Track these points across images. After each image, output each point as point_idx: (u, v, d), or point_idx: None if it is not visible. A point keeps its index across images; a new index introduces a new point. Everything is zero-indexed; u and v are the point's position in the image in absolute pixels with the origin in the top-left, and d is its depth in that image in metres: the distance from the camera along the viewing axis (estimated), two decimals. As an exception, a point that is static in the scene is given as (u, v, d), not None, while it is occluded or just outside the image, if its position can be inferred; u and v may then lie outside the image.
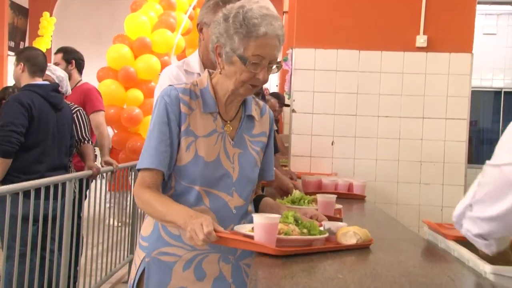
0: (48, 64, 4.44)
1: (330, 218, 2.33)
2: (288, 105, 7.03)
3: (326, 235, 1.85)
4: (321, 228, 1.88)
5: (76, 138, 4.39)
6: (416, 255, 1.96)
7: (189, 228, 1.71)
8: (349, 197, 3.27)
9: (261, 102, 2.15)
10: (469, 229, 1.52)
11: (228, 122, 2.00)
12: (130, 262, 3.70)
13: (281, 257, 1.73)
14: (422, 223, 2.42)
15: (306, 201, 2.45)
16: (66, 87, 4.41)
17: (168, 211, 1.80)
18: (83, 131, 4.46)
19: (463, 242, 1.95)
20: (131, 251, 5.24)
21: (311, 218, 2.11)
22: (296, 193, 2.53)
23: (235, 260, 1.96)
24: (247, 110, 2.04)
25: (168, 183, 1.96)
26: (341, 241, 1.85)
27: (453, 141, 4.32)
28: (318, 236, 1.80)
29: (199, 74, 2.43)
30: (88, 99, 4.87)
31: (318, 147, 4.36)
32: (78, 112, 4.49)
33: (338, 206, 2.56)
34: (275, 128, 4.15)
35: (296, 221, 1.86)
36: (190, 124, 1.92)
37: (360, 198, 3.35)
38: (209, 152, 1.93)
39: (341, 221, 2.36)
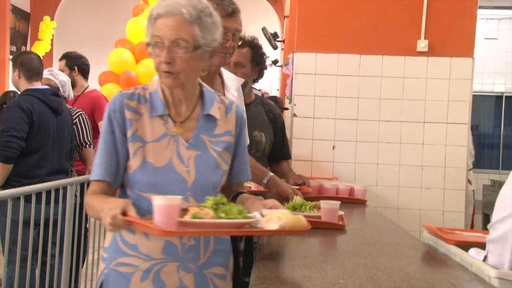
0: (51, 68, 4.45)
1: (333, 225, 2.32)
2: (286, 109, 7.03)
3: (245, 220, 1.66)
4: (256, 214, 1.72)
5: (78, 142, 4.39)
6: (417, 260, 1.96)
7: (101, 215, 1.65)
8: (350, 202, 3.27)
9: (227, 100, 2.04)
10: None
11: (179, 123, 1.90)
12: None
13: (281, 262, 1.73)
14: (423, 227, 2.42)
15: (307, 208, 2.39)
16: (69, 92, 4.42)
17: (100, 207, 1.71)
18: (85, 136, 4.47)
19: (465, 246, 1.94)
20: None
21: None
22: (297, 199, 2.46)
23: (197, 269, 1.86)
24: (205, 109, 1.94)
25: (125, 191, 1.91)
26: (264, 226, 1.66)
27: (454, 145, 4.32)
28: (228, 221, 1.62)
29: None
30: (97, 107, 4.91)
31: (319, 151, 4.36)
32: (80, 116, 4.49)
33: (341, 212, 2.49)
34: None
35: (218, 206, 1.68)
36: (137, 129, 1.85)
37: (361, 203, 3.35)
38: (159, 157, 1.85)
39: (344, 229, 2.33)
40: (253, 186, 2.93)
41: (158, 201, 1.58)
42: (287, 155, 3.68)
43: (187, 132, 1.90)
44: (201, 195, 1.80)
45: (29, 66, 3.97)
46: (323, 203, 2.36)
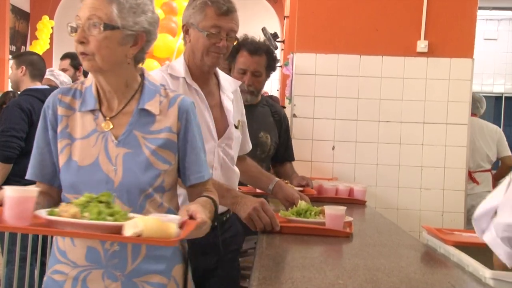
0: (52, 69, 4.45)
1: (337, 233, 2.17)
2: (284, 107, 7.03)
3: (99, 222, 1.44)
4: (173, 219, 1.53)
5: None
6: (416, 261, 1.96)
7: None
8: (350, 202, 3.26)
9: (173, 93, 1.84)
10: (494, 231, 1.40)
11: (109, 118, 1.76)
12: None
13: (281, 262, 1.72)
14: (423, 228, 2.42)
15: (313, 213, 2.27)
16: None
17: None
18: None
19: (463, 247, 1.95)
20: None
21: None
22: (302, 204, 2.34)
23: (125, 277, 1.71)
24: (140, 103, 1.78)
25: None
26: (123, 232, 1.43)
27: (454, 146, 4.32)
28: (80, 221, 1.43)
29: (184, 78, 2.30)
30: None
31: (318, 151, 4.36)
32: None
33: (349, 218, 2.34)
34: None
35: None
36: (68, 125, 1.76)
37: (361, 203, 3.35)
38: (85, 155, 1.72)
39: (351, 236, 2.18)
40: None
41: (8, 192, 1.44)
42: (290, 157, 3.71)
43: (118, 128, 1.75)
44: (128, 197, 1.70)
45: (37, 66, 4.06)
46: (327, 209, 2.20)
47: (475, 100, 5.62)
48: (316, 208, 2.31)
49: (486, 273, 1.63)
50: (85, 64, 1.71)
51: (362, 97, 4.36)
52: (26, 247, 3.46)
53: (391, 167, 4.35)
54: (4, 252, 3.47)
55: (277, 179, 2.66)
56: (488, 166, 5.64)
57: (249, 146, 2.70)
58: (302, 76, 4.38)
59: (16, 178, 3.71)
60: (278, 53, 9.68)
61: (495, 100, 10.67)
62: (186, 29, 2.36)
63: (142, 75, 1.84)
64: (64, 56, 5.10)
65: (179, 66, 2.34)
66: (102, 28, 1.65)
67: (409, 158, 4.34)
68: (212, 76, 2.44)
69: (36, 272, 3.64)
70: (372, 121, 4.35)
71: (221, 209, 2.26)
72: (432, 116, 4.32)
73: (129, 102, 1.78)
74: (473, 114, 5.64)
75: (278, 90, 10.68)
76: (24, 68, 4.01)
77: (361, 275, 1.64)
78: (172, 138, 1.77)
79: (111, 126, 1.75)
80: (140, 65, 1.84)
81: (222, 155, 2.35)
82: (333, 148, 4.36)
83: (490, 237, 1.43)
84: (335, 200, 3.20)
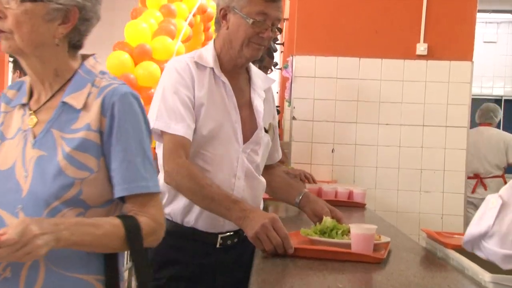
0: None
1: (366, 258, 1.77)
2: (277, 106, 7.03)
3: None
4: None
5: None
6: (416, 264, 1.95)
7: None
8: (349, 205, 3.26)
9: (106, 82, 1.50)
10: (484, 255, 1.30)
11: (33, 113, 1.48)
12: (130, 270, 3.70)
13: (280, 265, 1.72)
14: (422, 231, 2.41)
15: (339, 232, 1.92)
16: None
17: None
18: None
19: (463, 250, 1.94)
20: (130, 258, 5.22)
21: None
22: (327, 221, 1.97)
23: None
24: (64, 95, 1.47)
25: None
26: None
27: (454, 149, 4.32)
28: None
29: (212, 69, 2.03)
30: None
31: (318, 154, 4.36)
32: None
33: (385, 239, 1.94)
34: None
35: None
36: (3, 123, 1.51)
37: (360, 206, 3.34)
38: (6, 158, 1.45)
39: (385, 262, 1.80)
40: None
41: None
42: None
43: (39, 126, 1.46)
44: (34, 210, 1.38)
45: None
46: (353, 228, 1.81)
47: (489, 110, 5.95)
48: (344, 226, 1.96)
49: (485, 276, 1.62)
50: (2, 45, 1.42)
51: (362, 99, 4.36)
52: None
53: (391, 170, 4.35)
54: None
55: (306, 190, 2.31)
56: (499, 172, 5.81)
57: (279, 155, 2.41)
58: (302, 78, 4.38)
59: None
60: (278, 56, 9.68)
61: (495, 103, 10.67)
62: (224, 14, 2.03)
63: (84, 64, 1.54)
64: None
65: (208, 54, 2.05)
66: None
67: (408, 161, 4.33)
68: (243, 71, 2.17)
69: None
70: (371, 124, 4.35)
71: (231, 226, 2.05)
72: (432, 119, 4.32)
73: (56, 94, 1.48)
74: (488, 123, 5.94)
75: (277, 92, 10.68)
76: (19, 72, 4.01)
77: (360, 279, 1.64)
78: (91, 138, 1.43)
79: (35, 121, 1.47)
80: (79, 52, 1.56)
81: (246, 162, 2.06)
82: (332, 150, 4.36)
83: (483, 256, 1.40)
84: (335, 203, 3.17)
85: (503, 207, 1.20)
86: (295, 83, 4.40)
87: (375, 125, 4.35)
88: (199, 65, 2.03)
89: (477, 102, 7.21)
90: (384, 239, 1.94)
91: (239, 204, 1.85)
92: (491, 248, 1.26)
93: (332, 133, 4.36)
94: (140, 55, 7.36)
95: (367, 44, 4.36)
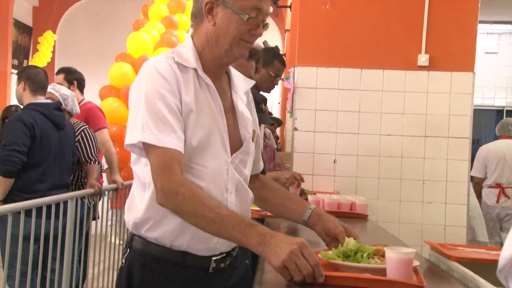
0: (54, 83, 4.45)
1: (405, 286, 1.56)
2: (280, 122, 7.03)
3: None
4: None
5: (83, 159, 4.38)
6: (419, 276, 1.94)
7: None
8: (351, 216, 3.25)
9: None
10: None
11: None
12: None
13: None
14: (425, 242, 2.40)
15: (365, 255, 1.70)
16: (72, 105, 4.41)
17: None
18: (90, 151, 4.43)
19: (466, 263, 1.93)
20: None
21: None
22: (350, 243, 1.74)
23: None
24: None
25: None
26: None
27: (456, 160, 4.31)
28: None
29: (195, 70, 1.77)
30: (90, 118, 4.86)
31: (320, 165, 4.35)
32: (84, 130, 4.45)
33: (415, 263, 1.66)
34: (276, 146, 4.03)
35: None
36: None
37: (363, 217, 3.33)
38: None
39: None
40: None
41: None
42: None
43: None
44: None
45: (35, 79, 4.01)
46: (388, 252, 1.59)
47: (508, 124, 6.43)
48: (370, 248, 1.73)
49: (488, 288, 1.62)
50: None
51: (363, 110, 4.36)
52: (26, 262, 3.45)
53: (393, 181, 4.34)
54: (5, 267, 3.46)
55: (313, 205, 2.01)
56: None
57: (261, 164, 2.14)
58: (303, 89, 4.38)
59: (19, 193, 3.71)
60: (279, 67, 9.69)
61: (496, 113, 10.67)
62: (210, 7, 1.77)
63: None
64: (59, 71, 5.08)
65: (188, 54, 1.79)
66: None
67: (410, 172, 4.33)
68: (224, 70, 1.92)
69: (37, 287, 3.63)
70: (373, 135, 4.35)
71: (224, 247, 1.82)
72: (434, 130, 4.32)
73: None
74: (508, 136, 6.39)
75: (279, 103, 10.69)
76: (24, 83, 4.01)
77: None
78: None
79: None
80: None
81: (236, 174, 1.82)
82: (334, 161, 4.35)
83: None
84: (337, 214, 3.16)
85: None
86: (296, 94, 4.41)
87: (377, 136, 4.35)
88: (180, 66, 1.75)
89: (478, 113, 7.21)
90: (414, 263, 1.67)
91: (255, 227, 1.59)
92: None
93: (334, 144, 4.36)
94: (142, 66, 7.39)
95: (369, 55, 4.37)
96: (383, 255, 1.65)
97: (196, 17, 1.82)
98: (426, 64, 4.33)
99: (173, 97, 1.68)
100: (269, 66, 3.83)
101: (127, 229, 5.22)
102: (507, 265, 1.17)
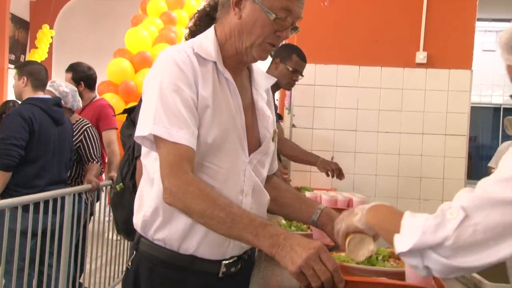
0: (53, 80, 4.45)
1: None
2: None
3: None
4: None
5: (85, 158, 4.39)
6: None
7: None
8: (349, 213, 3.25)
9: None
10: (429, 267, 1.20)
11: None
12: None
13: (281, 268, 1.71)
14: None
15: (380, 258, 1.63)
16: (72, 102, 4.40)
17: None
18: (93, 151, 4.42)
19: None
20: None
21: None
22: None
23: None
24: None
25: None
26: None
27: (453, 157, 4.32)
28: None
29: (214, 63, 1.67)
30: (102, 116, 4.86)
31: (317, 162, 4.36)
32: (87, 130, 4.44)
33: None
34: None
35: None
36: None
37: (360, 214, 3.33)
38: None
39: None
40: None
41: None
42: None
43: None
44: None
45: (38, 76, 4.03)
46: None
47: None
48: (384, 250, 1.66)
49: (485, 285, 1.62)
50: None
51: (361, 107, 4.37)
52: (24, 258, 3.45)
53: (390, 178, 4.35)
54: (2, 262, 3.46)
55: (323, 205, 1.91)
56: None
57: (276, 165, 2.04)
58: (302, 86, 4.38)
59: (17, 188, 3.71)
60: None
61: (494, 111, 10.69)
62: (238, 0, 1.67)
63: None
64: (68, 69, 5.05)
65: (210, 45, 1.68)
66: None
67: (408, 169, 4.34)
68: (244, 67, 1.82)
69: (34, 282, 3.63)
70: (371, 132, 4.36)
71: (235, 251, 1.73)
72: (431, 127, 4.33)
73: None
74: None
75: (277, 100, 10.69)
76: (26, 78, 4.01)
77: (360, 287, 1.63)
78: None
79: None
80: None
81: (254, 175, 1.73)
82: (332, 158, 4.36)
83: (415, 264, 1.26)
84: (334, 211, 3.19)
85: (465, 219, 1.14)
86: (295, 91, 4.41)
87: (374, 133, 4.36)
88: (200, 58, 1.65)
89: (476, 111, 7.23)
90: None
91: (268, 228, 1.47)
92: (438, 259, 1.16)
93: (332, 141, 4.37)
94: (141, 62, 7.39)
95: (367, 52, 4.37)
96: (398, 258, 1.55)
97: (223, 6, 1.72)
98: (424, 61, 4.33)
99: (189, 90, 1.59)
100: (287, 61, 3.70)
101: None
102: (420, 248, 1.21)
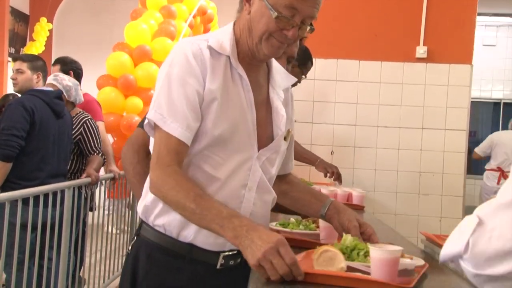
0: (57, 73, 4.46)
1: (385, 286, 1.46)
2: None
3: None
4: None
5: (86, 151, 4.40)
6: (415, 267, 1.95)
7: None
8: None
9: None
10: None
11: None
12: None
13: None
14: (421, 234, 2.41)
15: (361, 253, 1.57)
16: (76, 96, 4.41)
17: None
18: (94, 143, 4.43)
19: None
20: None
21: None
22: (347, 239, 1.63)
23: None
24: None
25: None
26: None
27: (452, 152, 4.33)
28: None
29: (228, 57, 1.68)
30: (88, 111, 4.86)
31: (317, 156, 4.36)
32: (87, 122, 4.44)
33: (418, 262, 1.66)
34: None
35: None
36: None
37: (359, 209, 3.35)
38: None
39: None
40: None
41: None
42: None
43: None
44: None
45: (47, 72, 4.22)
46: (372, 250, 1.47)
47: None
48: (367, 246, 1.59)
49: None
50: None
51: (361, 102, 4.37)
52: (24, 251, 3.45)
53: (390, 172, 4.35)
54: (2, 255, 3.47)
55: (332, 199, 1.92)
56: None
57: (292, 165, 2.04)
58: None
59: (18, 180, 3.71)
60: (277, 58, 9.69)
61: (494, 106, 10.68)
62: None
63: None
64: (55, 62, 5.05)
65: (225, 39, 1.69)
66: None
67: (407, 164, 4.34)
68: (263, 63, 1.81)
69: (34, 275, 3.64)
70: (370, 126, 4.36)
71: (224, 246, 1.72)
72: (431, 122, 4.33)
73: None
74: None
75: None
76: (41, 75, 4.11)
77: (359, 281, 1.63)
78: None
79: None
80: None
81: (260, 172, 1.72)
82: (331, 153, 4.36)
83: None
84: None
85: (479, 226, 1.13)
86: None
87: (374, 127, 4.36)
88: (213, 51, 1.66)
89: (476, 105, 7.24)
90: (418, 262, 1.63)
91: (233, 220, 1.48)
92: (467, 268, 1.17)
93: (332, 136, 4.37)
94: (140, 56, 7.37)
95: (367, 47, 4.37)
96: None
97: (240, 1, 1.73)
98: (424, 56, 4.33)
99: (196, 83, 1.61)
100: (302, 66, 3.68)
101: (124, 219, 5.19)
102: (448, 259, 1.23)
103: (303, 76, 3.72)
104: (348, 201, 3.43)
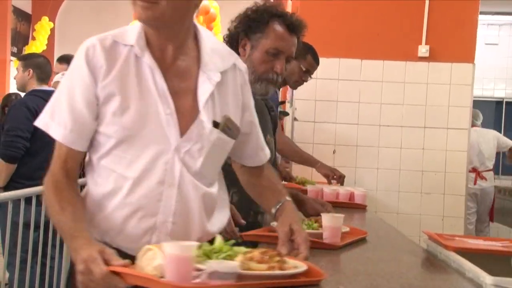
0: (64, 73, 4.46)
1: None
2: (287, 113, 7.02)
3: None
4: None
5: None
6: (417, 266, 1.96)
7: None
8: (350, 207, 3.26)
9: None
10: None
11: None
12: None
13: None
14: (423, 233, 2.41)
15: (221, 257, 1.39)
16: None
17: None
18: None
19: (464, 253, 1.95)
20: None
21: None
22: (218, 240, 1.45)
23: None
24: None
25: None
26: None
27: (455, 150, 4.32)
28: None
29: (131, 46, 1.56)
30: None
31: (319, 155, 4.34)
32: None
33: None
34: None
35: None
36: None
37: (361, 208, 3.35)
38: None
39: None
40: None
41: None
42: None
43: None
44: None
45: (44, 69, 4.13)
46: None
47: (475, 114, 6.77)
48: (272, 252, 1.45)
49: (486, 279, 1.63)
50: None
51: (363, 101, 4.37)
52: (26, 250, 3.46)
53: (392, 172, 4.35)
54: (5, 254, 3.48)
55: (288, 198, 1.82)
56: (491, 166, 6.79)
57: (265, 154, 1.87)
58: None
59: (21, 180, 3.73)
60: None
61: (496, 105, 10.66)
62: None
63: None
64: (62, 60, 4.99)
65: (132, 30, 1.63)
66: None
67: (409, 163, 4.34)
68: (189, 46, 1.63)
69: (37, 274, 3.65)
70: (373, 125, 4.36)
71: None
72: (433, 121, 4.33)
73: None
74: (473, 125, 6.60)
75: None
76: (32, 71, 4.06)
77: (361, 281, 1.64)
78: None
79: None
80: None
81: (180, 165, 1.56)
82: (334, 152, 4.37)
83: None
84: (336, 205, 3.20)
85: None
86: (296, 84, 4.41)
87: (376, 126, 4.36)
88: (115, 45, 1.58)
89: (478, 104, 7.23)
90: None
91: (73, 240, 1.45)
92: None
93: (334, 135, 4.37)
94: (142, 55, 7.39)
95: (369, 46, 4.37)
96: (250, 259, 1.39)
97: None
98: (427, 55, 4.33)
99: (84, 86, 1.54)
100: (301, 59, 3.56)
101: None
102: None
103: (309, 76, 3.70)
104: (350, 200, 3.43)
